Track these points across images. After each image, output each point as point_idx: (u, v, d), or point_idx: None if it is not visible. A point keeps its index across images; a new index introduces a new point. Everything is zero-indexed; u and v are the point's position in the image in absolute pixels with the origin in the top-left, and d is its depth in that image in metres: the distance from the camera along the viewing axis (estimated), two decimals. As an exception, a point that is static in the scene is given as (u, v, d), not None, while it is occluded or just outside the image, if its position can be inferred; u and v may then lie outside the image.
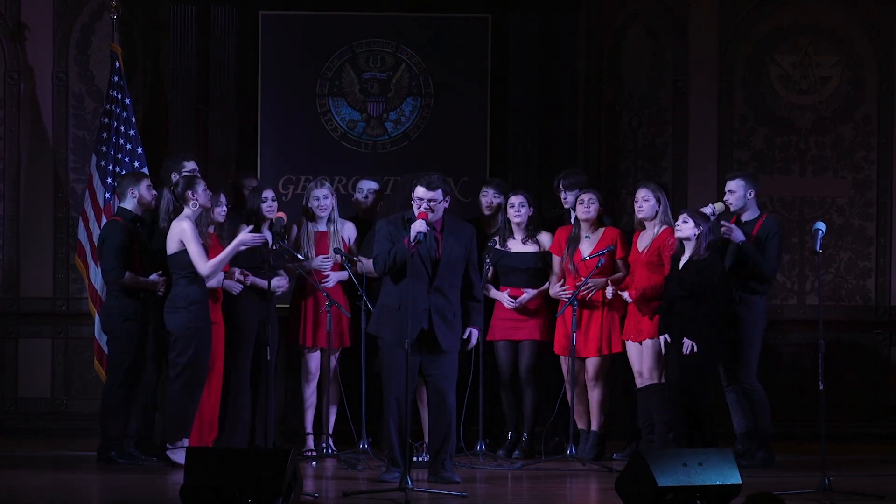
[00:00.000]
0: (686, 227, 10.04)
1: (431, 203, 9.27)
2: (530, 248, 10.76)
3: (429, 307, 9.26)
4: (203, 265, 9.88)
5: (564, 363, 10.58)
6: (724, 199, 10.48)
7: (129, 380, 10.24)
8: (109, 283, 10.28)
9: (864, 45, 12.16)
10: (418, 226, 9.17)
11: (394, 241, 9.26)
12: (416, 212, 9.27)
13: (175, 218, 10.01)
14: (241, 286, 10.29)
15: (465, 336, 9.42)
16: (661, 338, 10.10)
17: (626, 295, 10.35)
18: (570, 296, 10.45)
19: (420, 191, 9.30)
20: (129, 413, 10.32)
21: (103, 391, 10.41)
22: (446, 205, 9.41)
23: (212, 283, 10.11)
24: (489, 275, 10.65)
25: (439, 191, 9.29)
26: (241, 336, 10.35)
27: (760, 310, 10.41)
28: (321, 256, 10.52)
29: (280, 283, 10.34)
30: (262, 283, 10.21)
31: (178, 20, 11.68)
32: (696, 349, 9.91)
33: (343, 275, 10.54)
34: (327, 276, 10.54)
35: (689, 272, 10.00)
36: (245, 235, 10.07)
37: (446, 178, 10.90)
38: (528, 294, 10.65)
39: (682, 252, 10.10)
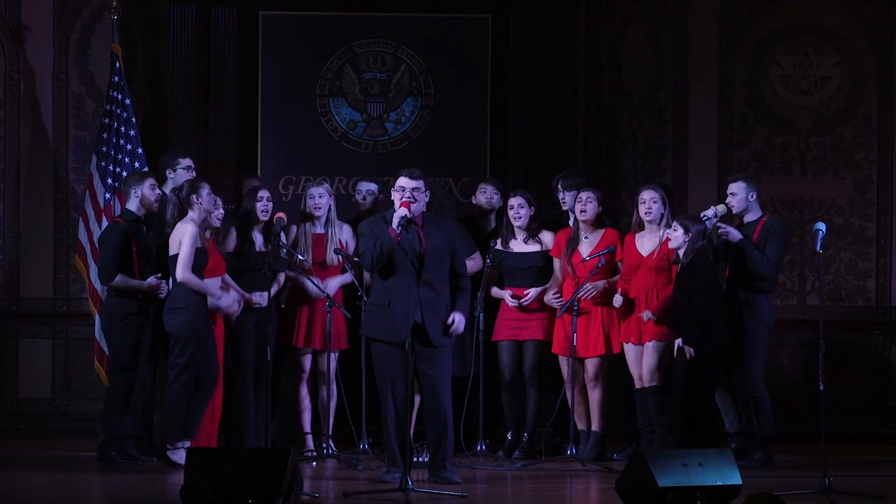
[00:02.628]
0: (676, 236, 10.05)
1: (414, 192, 9.30)
2: (532, 247, 10.75)
3: (420, 300, 9.27)
4: (183, 272, 9.84)
5: (564, 363, 10.57)
6: (726, 201, 10.48)
7: (130, 379, 10.24)
8: (102, 283, 10.39)
9: (864, 46, 12.16)
10: (401, 212, 9.21)
11: (377, 236, 9.28)
12: (397, 203, 9.30)
13: (179, 221, 10.00)
14: (237, 311, 10.27)
15: (450, 321, 9.38)
16: (677, 341, 10.09)
17: (646, 315, 10.23)
18: (562, 303, 10.46)
19: (402, 180, 9.34)
20: (129, 413, 10.32)
21: (107, 391, 10.42)
22: (426, 198, 9.42)
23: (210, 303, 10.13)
24: (488, 274, 10.61)
25: (421, 181, 9.34)
26: (240, 337, 10.34)
27: (766, 311, 10.38)
28: (256, 294, 10.41)
29: (262, 298, 10.29)
30: (260, 300, 10.24)
31: (178, 20, 11.68)
32: (692, 354, 9.93)
33: (346, 278, 10.51)
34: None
35: (683, 277, 10.02)
36: (228, 302, 10.06)
37: (446, 178, 10.94)
38: (531, 293, 10.63)
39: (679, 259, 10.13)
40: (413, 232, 9.30)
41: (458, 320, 9.40)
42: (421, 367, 9.35)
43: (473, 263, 10.44)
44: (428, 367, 9.35)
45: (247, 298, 10.28)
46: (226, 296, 10.14)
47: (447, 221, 9.65)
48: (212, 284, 10.01)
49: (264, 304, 10.25)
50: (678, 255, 10.09)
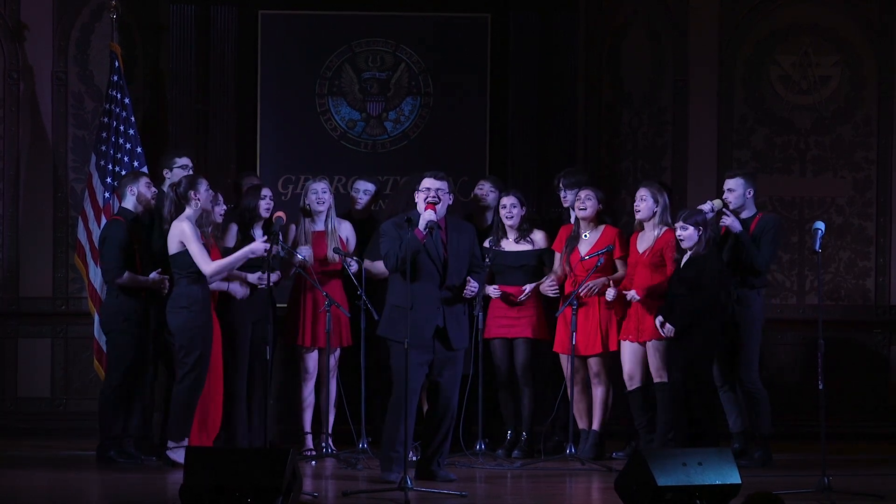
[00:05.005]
0: (687, 235, 10.02)
1: (439, 192, 9.34)
2: (523, 246, 10.76)
3: (442, 305, 9.33)
4: (207, 265, 9.85)
5: (565, 362, 10.58)
6: (724, 197, 10.48)
7: (128, 379, 10.23)
8: (108, 282, 10.30)
9: (864, 45, 12.17)
10: (428, 215, 9.26)
11: (402, 237, 9.29)
12: (422, 204, 9.35)
13: (176, 218, 10.00)
14: (247, 291, 10.28)
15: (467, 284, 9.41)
16: (667, 327, 10.04)
17: (631, 294, 10.30)
18: (557, 291, 10.48)
19: (428, 181, 9.40)
20: (129, 413, 10.32)
21: (101, 390, 10.40)
22: (450, 201, 9.46)
23: (214, 286, 10.10)
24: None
25: (445, 182, 9.41)
26: (236, 336, 10.34)
27: (757, 307, 10.40)
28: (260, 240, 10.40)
29: (263, 277, 10.25)
30: (252, 277, 10.24)
31: (177, 20, 11.69)
32: (670, 332, 9.91)
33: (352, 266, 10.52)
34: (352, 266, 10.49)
35: (690, 269, 10.00)
36: (257, 245, 10.01)
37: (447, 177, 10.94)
38: (527, 289, 10.64)
39: (684, 254, 10.10)
40: (437, 236, 9.35)
41: (470, 282, 9.42)
42: (438, 369, 9.39)
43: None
44: (444, 371, 9.41)
45: (242, 277, 10.27)
46: (257, 243, 10.09)
47: (468, 226, 9.71)
48: (236, 254, 9.99)
49: (262, 283, 10.23)
50: (683, 251, 10.07)
